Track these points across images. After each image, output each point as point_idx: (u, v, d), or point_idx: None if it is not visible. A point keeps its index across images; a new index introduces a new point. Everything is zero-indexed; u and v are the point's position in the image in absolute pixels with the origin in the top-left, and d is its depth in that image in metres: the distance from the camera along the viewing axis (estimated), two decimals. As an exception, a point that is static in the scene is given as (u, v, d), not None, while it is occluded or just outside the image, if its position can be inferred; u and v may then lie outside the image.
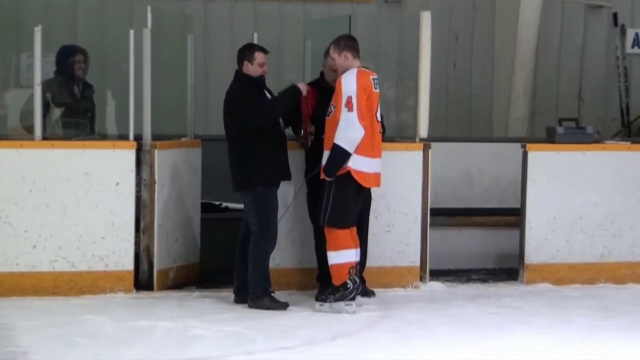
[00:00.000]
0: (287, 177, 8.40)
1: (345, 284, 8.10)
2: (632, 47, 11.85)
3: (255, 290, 8.23)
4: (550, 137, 9.70)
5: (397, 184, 9.00)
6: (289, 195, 8.57)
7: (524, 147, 9.42)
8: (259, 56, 8.24)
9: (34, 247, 8.45)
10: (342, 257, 8.10)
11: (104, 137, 9.13)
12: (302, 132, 8.46)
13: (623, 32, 11.36)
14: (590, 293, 9.08)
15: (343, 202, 8.07)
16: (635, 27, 11.97)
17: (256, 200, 8.23)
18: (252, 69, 8.24)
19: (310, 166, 8.53)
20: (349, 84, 8.06)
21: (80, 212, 8.51)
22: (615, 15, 11.69)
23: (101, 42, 10.97)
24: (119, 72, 9.10)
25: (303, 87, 8.34)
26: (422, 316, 8.15)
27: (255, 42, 8.76)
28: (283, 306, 8.21)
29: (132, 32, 8.65)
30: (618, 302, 8.76)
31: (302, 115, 8.42)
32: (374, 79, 8.22)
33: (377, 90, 8.24)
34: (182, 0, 11.42)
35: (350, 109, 7.99)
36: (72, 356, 6.83)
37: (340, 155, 7.98)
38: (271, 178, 8.25)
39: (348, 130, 7.98)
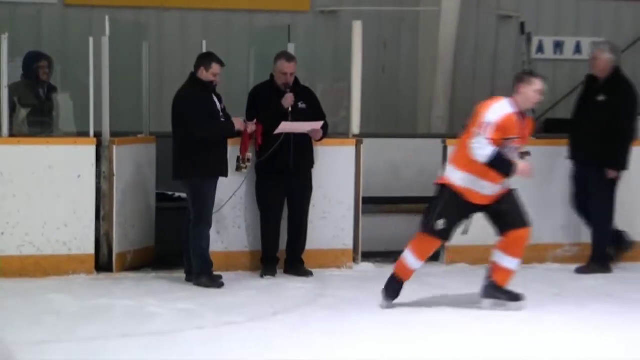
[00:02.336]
0: (224, 174, 8.34)
1: None
2: (537, 53, 12.01)
3: (195, 271, 8.22)
4: (467, 134, 9.74)
5: (333, 176, 9.01)
6: (235, 184, 8.54)
7: (444, 142, 9.43)
8: (215, 67, 8.20)
9: (2, 233, 8.36)
10: None
11: (66, 134, 9.02)
12: (238, 158, 8.42)
13: (529, 40, 11.44)
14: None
15: None
16: (540, 35, 12.09)
17: (192, 191, 8.24)
18: (205, 75, 8.21)
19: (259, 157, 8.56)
20: None
21: (45, 202, 8.42)
22: (522, 25, 11.77)
23: (63, 49, 10.81)
24: (80, 75, 8.99)
25: (238, 123, 8.27)
26: (355, 294, 8.15)
27: (204, 48, 8.73)
28: (218, 285, 8.18)
29: (91, 39, 8.60)
30: (526, 280, 8.74)
31: (242, 145, 8.44)
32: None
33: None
34: (137, 10, 11.31)
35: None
36: (39, 332, 6.74)
37: None
38: (207, 173, 8.21)
39: None
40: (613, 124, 8.87)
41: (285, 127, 8.47)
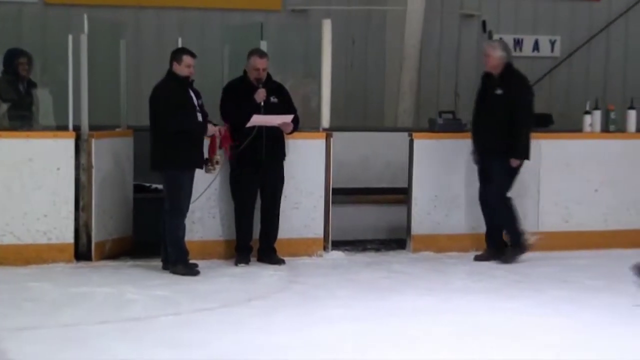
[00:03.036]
0: (200, 165, 8.29)
1: None
2: (497, 50, 12.07)
3: (171, 259, 8.19)
4: (431, 127, 9.74)
5: (304, 168, 8.99)
6: (210, 175, 8.50)
7: (410, 135, 9.44)
8: (186, 59, 8.17)
9: (-16, 223, 8.26)
10: None
11: (46, 128, 8.93)
12: (207, 160, 8.34)
13: (490, 37, 11.49)
14: (465, 260, 9.10)
15: None
16: (500, 33, 12.12)
17: (168, 182, 8.19)
18: (179, 68, 8.16)
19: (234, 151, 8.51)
20: None
21: (25, 193, 8.34)
22: (484, 23, 11.83)
23: (43, 46, 10.72)
24: (59, 71, 8.91)
25: (211, 130, 8.20)
26: (326, 280, 8.14)
27: (179, 46, 8.67)
28: (194, 272, 8.14)
29: (70, 37, 8.51)
30: (487, 267, 8.83)
31: (211, 147, 8.33)
32: None
33: None
34: (115, 9, 11.23)
35: None
36: (19, 318, 6.70)
37: None
38: (183, 164, 8.16)
39: None
40: (511, 115, 8.85)
41: (257, 119, 8.44)
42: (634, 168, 9.76)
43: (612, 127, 9.83)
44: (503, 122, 8.86)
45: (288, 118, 8.57)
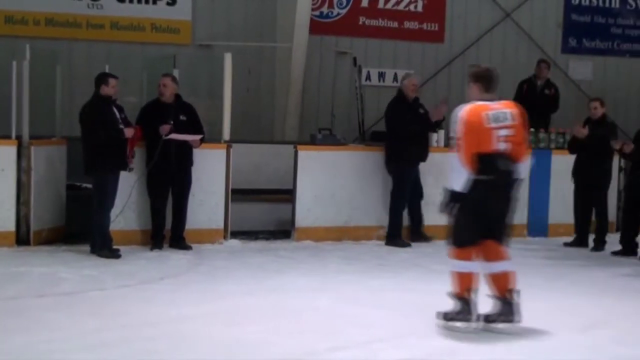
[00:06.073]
0: (123, 168, 8.24)
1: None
2: (365, 80, 12.23)
3: (98, 245, 8.13)
4: (312, 141, 9.87)
5: (208, 172, 9.00)
6: (131, 180, 8.45)
7: (295, 147, 9.54)
8: (111, 81, 8.15)
9: (-62, 216, 8.01)
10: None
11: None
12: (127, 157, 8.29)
13: (360, 71, 11.65)
14: (339, 248, 9.21)
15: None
16: (367, 67, 12.33)
17: (96, 183, 8.15)
18: (107, 89, 8.13)
19: (149, 160, 8.49)
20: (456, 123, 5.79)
21: (-26, 191, 8.16)
22: (354, 59, 11.99)
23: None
24: (5, 91, 8.71)
25: (128, 132, 8.15)
26: (225, 263, 8.17)
27: (107, 71, 8.59)
28: (117, 256, 8.08)
29: (14, 63, 8.39)
30: (357, 253, 8.95)
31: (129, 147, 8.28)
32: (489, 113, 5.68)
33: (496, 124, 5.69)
34: (52, 40, 11.00)
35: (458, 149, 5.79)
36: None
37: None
38: (108, 169, 8.11)
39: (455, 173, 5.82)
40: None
41: (174, 136, 8.48)
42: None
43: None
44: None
45: (197, 137, 8.62)
